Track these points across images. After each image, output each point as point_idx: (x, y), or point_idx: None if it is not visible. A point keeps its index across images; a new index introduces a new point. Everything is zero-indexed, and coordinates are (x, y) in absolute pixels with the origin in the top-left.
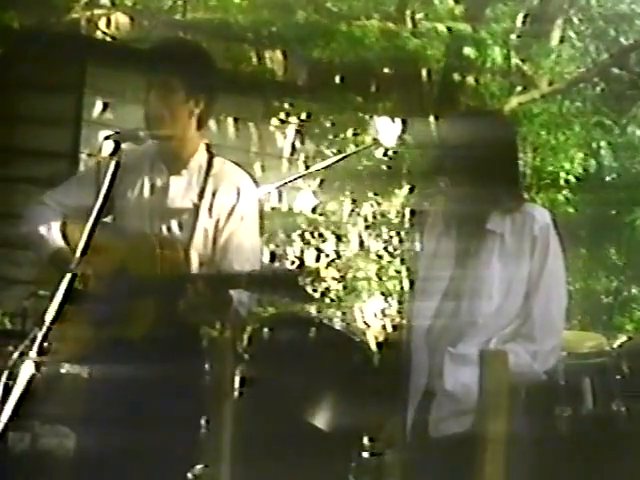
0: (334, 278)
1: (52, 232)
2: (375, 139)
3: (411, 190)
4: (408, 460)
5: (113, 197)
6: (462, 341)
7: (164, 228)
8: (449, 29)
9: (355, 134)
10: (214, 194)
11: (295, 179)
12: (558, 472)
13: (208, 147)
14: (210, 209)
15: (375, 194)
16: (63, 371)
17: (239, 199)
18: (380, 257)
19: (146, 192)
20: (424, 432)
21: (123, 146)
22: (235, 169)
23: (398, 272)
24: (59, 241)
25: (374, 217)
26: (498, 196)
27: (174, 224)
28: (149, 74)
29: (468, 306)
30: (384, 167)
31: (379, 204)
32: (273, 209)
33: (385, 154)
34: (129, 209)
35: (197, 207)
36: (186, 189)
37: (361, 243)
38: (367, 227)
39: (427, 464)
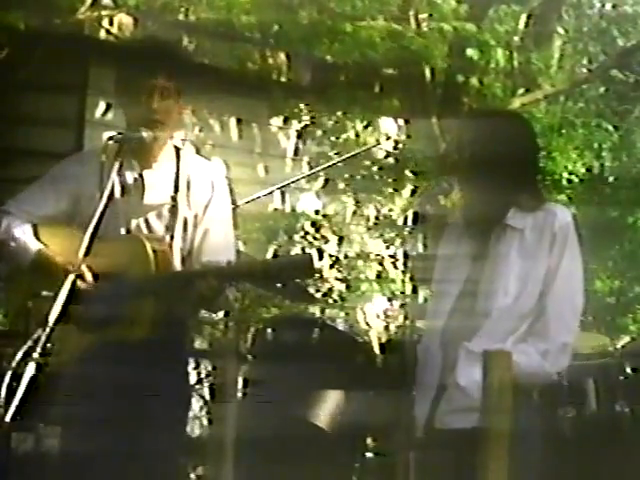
0: (337, 279)
1: (27, 239)
2: (378, 140)
3: (414, 192)
4: (418, 457)
5: (80, 200)
6: (477, 336)
7: (143, 225)
8: (455, 29)
9: (366, 126)
10: (189, 187)
11: (298, 180)
12: (561, 473)
13: (174, 140)
14: (188, 201)
15: (378, 195)
16: (63, 371)
17: (214, 192)
18: (382, 258)
19: (117, 191)
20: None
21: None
22: (204, 161)
23: (403, 272)
24: (37, 245)
25: (377, 218)
26: (517, 195)
27: (153, 219)
28: (145, 76)
29: (484, 303)
30: (386, 168)
31: (382, 205)
32: (276, 210)
33: (388, 155)
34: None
35: (174, 199)
36: (160, 183)
37: (363, 244)
38: (369, 228)
39: (435, 459)
